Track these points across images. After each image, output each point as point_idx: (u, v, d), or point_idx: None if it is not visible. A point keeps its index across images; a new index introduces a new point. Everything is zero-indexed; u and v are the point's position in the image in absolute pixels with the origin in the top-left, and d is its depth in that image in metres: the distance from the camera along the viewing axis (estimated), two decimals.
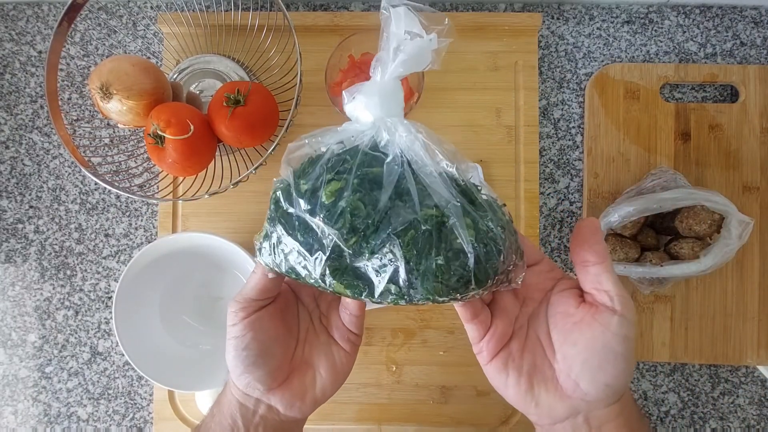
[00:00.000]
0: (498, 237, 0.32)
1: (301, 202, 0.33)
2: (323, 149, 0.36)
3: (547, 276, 0.38)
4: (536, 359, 0.36)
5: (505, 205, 0.36)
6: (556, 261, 0.67)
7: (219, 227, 0.66)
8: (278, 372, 0.39)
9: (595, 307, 0.34)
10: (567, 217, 0.67)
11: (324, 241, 0.32)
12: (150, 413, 0.67)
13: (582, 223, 0.35)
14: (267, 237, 0.35)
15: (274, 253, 0.34)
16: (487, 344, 0.37)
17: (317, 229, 0.33)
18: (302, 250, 0.33)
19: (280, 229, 0.34)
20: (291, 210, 0.34)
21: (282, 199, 0.34)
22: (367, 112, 0.36)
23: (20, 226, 0.69)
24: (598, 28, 0.69)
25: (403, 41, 0.35)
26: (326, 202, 0.33)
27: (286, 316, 0.40)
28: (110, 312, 0.67)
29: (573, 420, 0.35)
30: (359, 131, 0.36)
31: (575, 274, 0.36)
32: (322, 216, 0.32)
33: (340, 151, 0.35)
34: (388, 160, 0.34)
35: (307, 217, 0.33)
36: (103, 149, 0.68)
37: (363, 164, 0.34)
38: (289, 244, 0.33)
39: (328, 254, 0.32)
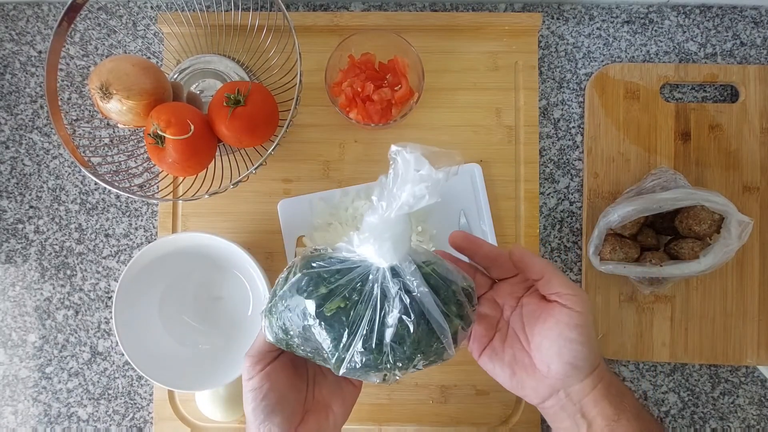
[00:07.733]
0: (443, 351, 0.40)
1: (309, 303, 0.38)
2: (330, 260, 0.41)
3: (520, 285, 0.46)
4: (516, 351, 0.43)
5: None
6: (556, 261, 0.67)
7: (219, 227, 0.66)
8: (295, 416, 0.43)
9: (551, 304, 0.42)
10: (567, 217, 0.67)
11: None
12: (150, 413, 0.67)
13: (511, 256, 0.43)
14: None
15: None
16: (472, 344, 0.45)
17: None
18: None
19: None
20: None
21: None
22: (381, 259, 0.39)
23: (20, 226, 0.69)
24: (598, 28, 0.69)
25: (413, 180, 0.37)
26: (327, 315, 0.38)
27: (296, 362, 0.45)
28: (110, 312, 0.67)
29: (556, 396, 0.42)
30: (370, 269, 0.39)
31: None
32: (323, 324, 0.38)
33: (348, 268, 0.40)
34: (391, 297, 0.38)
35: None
36: (103, 149, 0.68)
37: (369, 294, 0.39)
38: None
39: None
